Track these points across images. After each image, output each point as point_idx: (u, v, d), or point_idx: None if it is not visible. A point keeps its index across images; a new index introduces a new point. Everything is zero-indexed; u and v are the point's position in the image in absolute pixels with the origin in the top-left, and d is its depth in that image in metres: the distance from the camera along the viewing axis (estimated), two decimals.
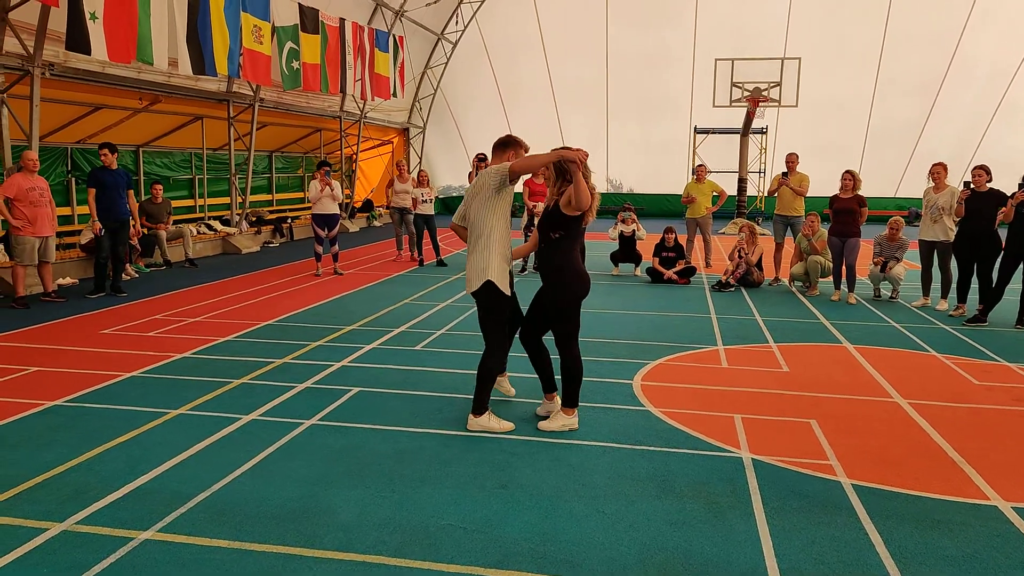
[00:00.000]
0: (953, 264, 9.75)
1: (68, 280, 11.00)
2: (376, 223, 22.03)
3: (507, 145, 5.22)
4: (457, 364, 6.80)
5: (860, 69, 23.04)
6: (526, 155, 5.11)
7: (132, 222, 10.63)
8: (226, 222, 15.92)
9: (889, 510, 4.04)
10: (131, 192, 10.50)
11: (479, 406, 5.14)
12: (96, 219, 10.05)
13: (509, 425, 5.17)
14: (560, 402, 5.29)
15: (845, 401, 5.94)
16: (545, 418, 5.32)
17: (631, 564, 3.47)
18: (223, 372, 6.45)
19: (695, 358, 7.22)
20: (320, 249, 12.09)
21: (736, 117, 22.26)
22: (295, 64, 14.86)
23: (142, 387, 6.03)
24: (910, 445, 5.02)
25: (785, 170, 11.73)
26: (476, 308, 5.22)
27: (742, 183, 21.63)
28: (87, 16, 9.96)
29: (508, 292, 5.13)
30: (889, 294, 10.63)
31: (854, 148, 23.61)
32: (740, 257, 11.32)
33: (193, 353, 7.10)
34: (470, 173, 12.43)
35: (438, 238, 13.67)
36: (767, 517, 3.94)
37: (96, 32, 10.07)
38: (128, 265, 11.96)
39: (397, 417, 5.41)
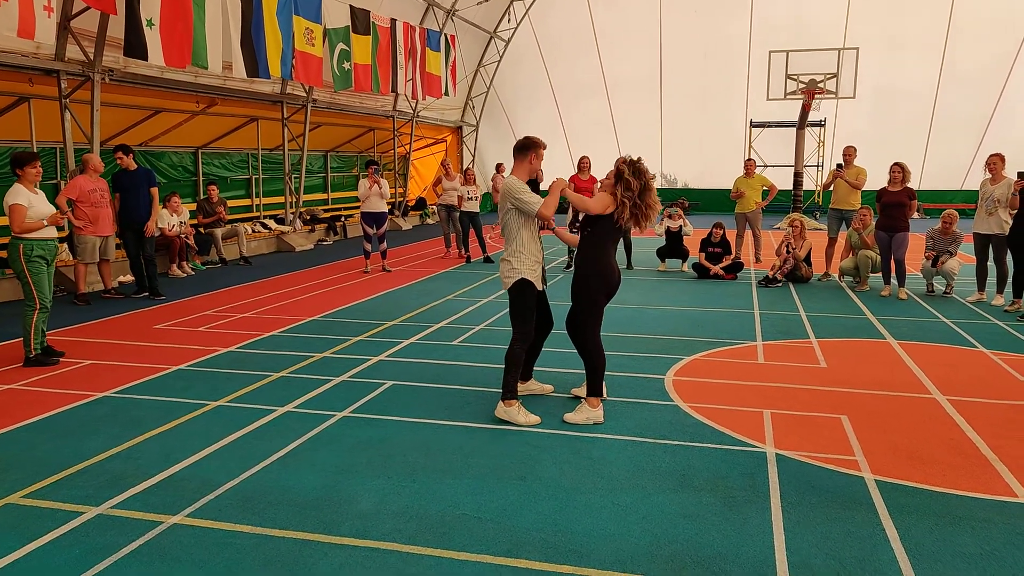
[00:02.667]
0: (1009, 258, 9.43)
1: (128, 278, 11.45)
2: (430, 221, 22.30)
3: (525, 148, 5.35)
4: (491, 359, 6.89)
5: (923, 58, 22.35)
6: (546, 198, 5.17)
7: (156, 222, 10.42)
8: (281, 221, 16.34)
9: (910, 506, 3.98)
10: (155, 190, 10.33)
11: (508, 391, 5.28)
12: (116, 223, 10.16)
13: (535, 419, 5.24)
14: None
15: (880, 397, 5.83)
16: (577, 403, 5.43)
17: (640, 555, 3.50)
18: (264, 366, 6.67)
19: (731, 354, 7.16)
20: (368, 247, 12.33)
21: (792, 110, 21.84)
22: (346, 65, 15.16)
23: (186, 380, 6.28)
24: (942, 442, 4.91)
25: (841, 162, 11.48)
26: (508, 301, 5.41)
27: (798, 177, 21.21)
28: (144, 23, 10.37)
29: (540, 287, 5.40)
30: (943, 289, 10.33)
31: (918, 139, 22.92)
32: (788, 252, 11.13)
33: (238, 348, 7.35)
34: (493, 182, 12.57)
35: (484, 235, 13.80)
36: (783, 511, 3.92)
37: (153, 38, 10.47)
38: (185, 263, 12.42)
39: (427, 410, 5.52)
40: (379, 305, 9.54)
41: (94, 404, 5.67)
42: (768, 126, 23.17)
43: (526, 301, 5.30)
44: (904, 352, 7.20)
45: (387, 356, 7.02)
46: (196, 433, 5.04)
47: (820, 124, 23.09)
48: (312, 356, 7.01)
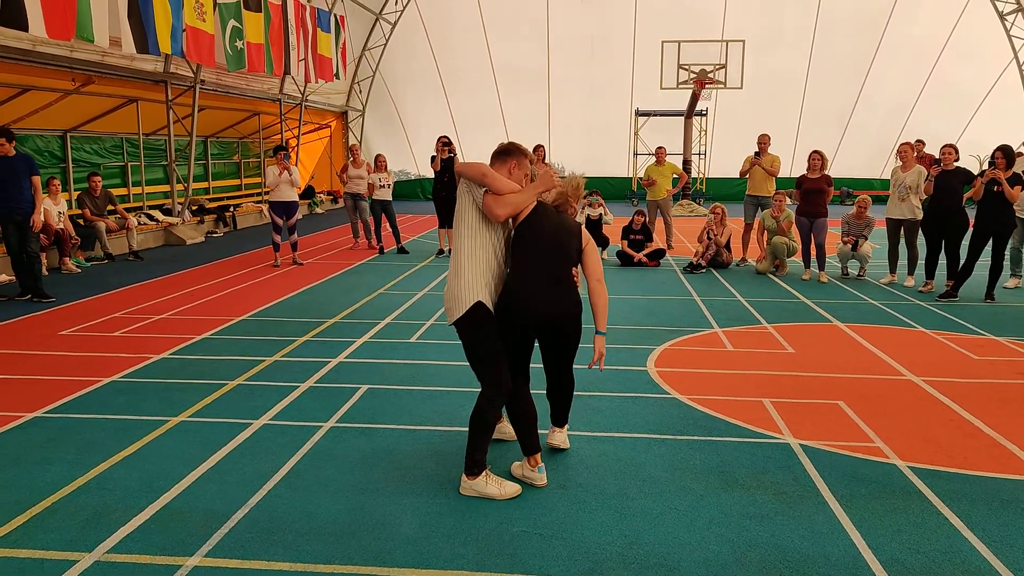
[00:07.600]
0: (920, 241, 9.93)
1: (5, 278, 10.15)
2: (318, 210, 21.31)
3: (507, 154, 4.11)
4: (461, 356, 6.49)
5: (794, 52, 23.41)
6: (507, 194, 3.93)
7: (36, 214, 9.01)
8: (167, 211, 15.06)
9: (956, 492, 3.98)
10: (36, 179, 9.00)
11: (474, 465, 3.93)
12: None
13: (514, 489, 3.96)
14: (559, 429, 4.57)
15: (862, 381, 5.91)
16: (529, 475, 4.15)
17: (728, 563, 3.29)
18: (213, 373, 5.99)
19: (698, 342, 7.10)
20: (278, 238, 11.50)
21: (675, 99, 22.34)
22: (239, 44, 14.13)
23: (128, 393, 5.53)
24: (943, 423, 5.00)
25: (757, 150, 11.75)
26: (461, 342, 4.04)
27: (687, 165, 21.76)
28: None
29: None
30: (857, 272, 10.78)
31: (789, 129, 24.02)
32: (709, 239, 11.29)
33: (172, 353, 6.59)
34: (433, 157, 12.01)
35: (398, 223, 13.26)
36: (842, 506, 3.81)
37: (33, 6, 9.26)
38: (67, 259, 11.18)
39: (418, 415, 5.10)
40: (308, 301, 8.88)
41: (27, 427, 4.87)
42: (654, 115, 23.60)
43: (488, 334, 3.99)
44: (856, 335, 7.38)
45: (346, 358, 6.48)
46: (169, 455, 4.40)
47: (703, 113, 23.77)
48: (263, 360, 6.36)
